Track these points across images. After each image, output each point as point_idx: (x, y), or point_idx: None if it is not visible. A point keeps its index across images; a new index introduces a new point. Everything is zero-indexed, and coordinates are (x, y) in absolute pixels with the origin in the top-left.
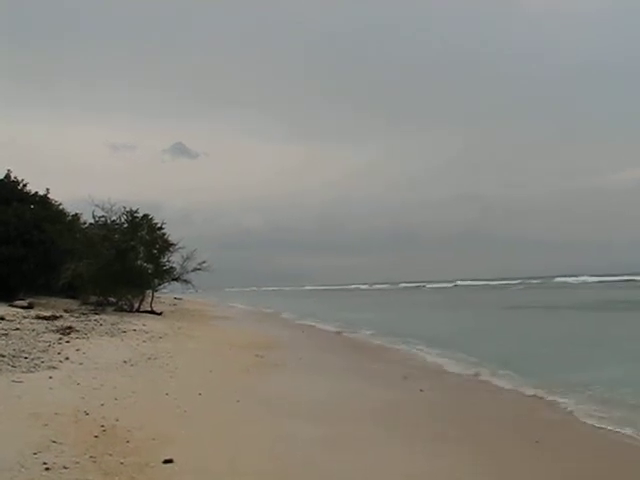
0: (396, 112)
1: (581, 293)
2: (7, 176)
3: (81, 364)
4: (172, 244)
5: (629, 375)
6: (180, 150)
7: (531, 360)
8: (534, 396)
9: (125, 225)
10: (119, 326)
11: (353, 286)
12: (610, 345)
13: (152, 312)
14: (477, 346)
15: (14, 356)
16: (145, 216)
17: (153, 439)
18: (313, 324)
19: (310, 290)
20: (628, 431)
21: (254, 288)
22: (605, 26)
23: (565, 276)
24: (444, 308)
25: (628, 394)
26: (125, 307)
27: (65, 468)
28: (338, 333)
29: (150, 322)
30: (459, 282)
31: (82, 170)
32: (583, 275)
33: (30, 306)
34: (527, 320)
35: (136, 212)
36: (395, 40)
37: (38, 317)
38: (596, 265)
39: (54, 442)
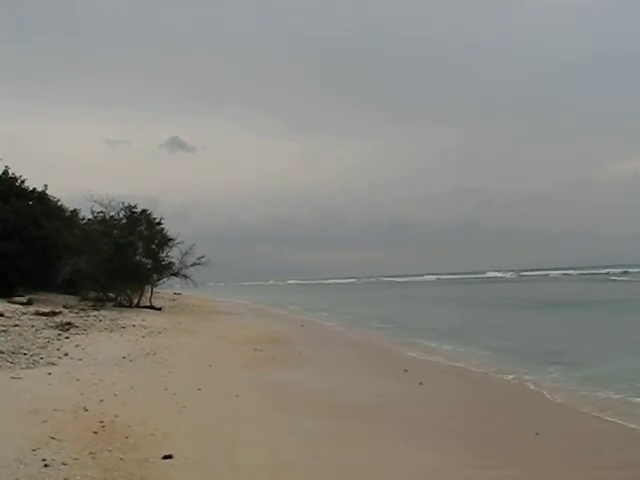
0: (394, 107)
1: (548, 287)
2: (5, 172)
3: (80, 360)
4: (171, 239)
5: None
6: (177, 144)
7: (523, 352)
8: (533, 388)
9: (124, 220)
10: (118, 322)
11: (335, 280)
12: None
13: (151, 307)
14: (472, 338)
15: (13, 352)
16: (143, 211)
17: (152, 435)
18: (313, 319)
19: (294, 284)
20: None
21: (243, 283)
22: (602, 22)
23: (555, 269)
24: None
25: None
26: (124, 302)
27: (64, 464)
28: (338, 327)
29: (149, 317)
30: (442, 276)
31: (79, 166)
32: (573, 269)
33: (29, 302)
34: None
35: (134, 207)
36: (394, 37)
37: (37, 313)
38: (592, 257)
39: (53, 438)
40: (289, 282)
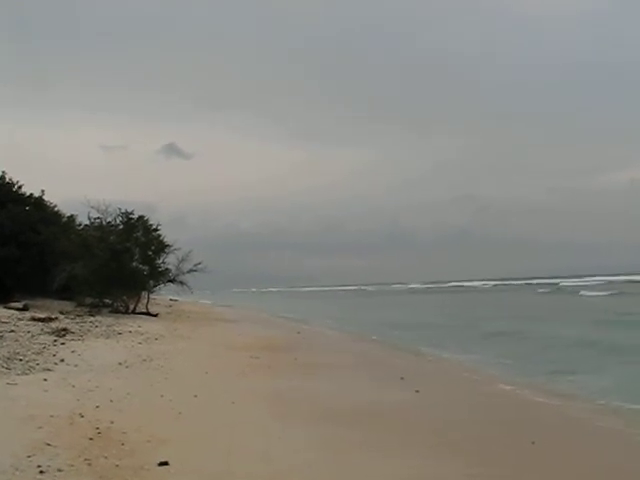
0: (394, 115)
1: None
2: (2, 178)
3: (76, 366)
4: (167, 245)
5: None
6: (173, 151)
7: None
8: (528, 396)
9: (120, 227)
10: (114, 328)
11: (315, 288)
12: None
13: (148, 314)
14: (467, 346)
15: (9, 358)
16: (140, 217)
17: (148, 441)
18: (308, 326)
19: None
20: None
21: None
22: (602, 28)
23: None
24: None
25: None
26: (121, 309)
27: (59, 471)
28: (333, 334)
29: (145, 324)
30: (413, 285)
31: (76, 171)
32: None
33: (25, 308)
34: None
35: (131, 213)
36: (394, 43)
37: (33, 319)
38: (590, 267)
39: (48, 445)
40: (270, 289)
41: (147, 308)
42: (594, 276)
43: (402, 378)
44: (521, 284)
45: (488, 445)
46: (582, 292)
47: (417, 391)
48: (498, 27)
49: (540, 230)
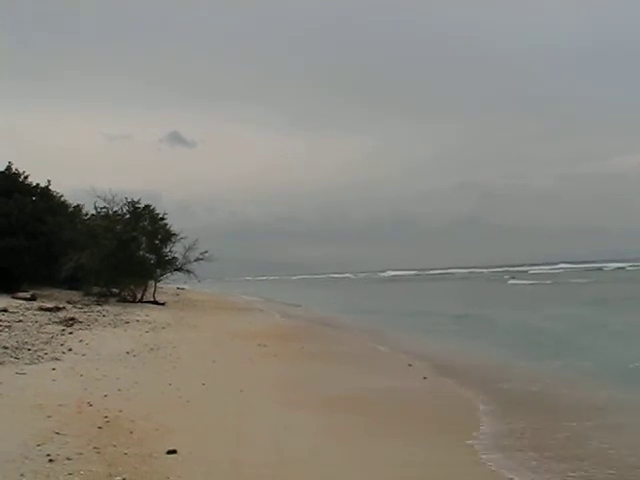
0: (396, 102)
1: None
2: (8, 168)
3: (84, 355)
4: (174, 234)
5: None
6: (176, 139)
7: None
8: (535, 382)
9: (127, 216)
10: (122, 317)
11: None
12: None
13: (155, 302)
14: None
15: (17, 348)
16: (147, 207)
17: (156, 430)
18: (315, 314)
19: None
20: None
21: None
22: (604, 13)
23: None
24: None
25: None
26: (128, 298)
27: (69, 459)
28: (340, 322)
29: (153, 312)
30: (390, 272)
31: (80, 161)
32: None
33: (33, 298)
34: None
35: (137, 203)
36: (394, 31)
37: (41, 309)
38: (597, 252)
39: (58, 433)
40: (270, 277)
41: (154, 297)
42: (565, 263)
43: (410, 365)
44: (497, 272)
45: None
46: (510, 281)
47: (425, 378)
48: (498, 14)
49: (546, 217)
